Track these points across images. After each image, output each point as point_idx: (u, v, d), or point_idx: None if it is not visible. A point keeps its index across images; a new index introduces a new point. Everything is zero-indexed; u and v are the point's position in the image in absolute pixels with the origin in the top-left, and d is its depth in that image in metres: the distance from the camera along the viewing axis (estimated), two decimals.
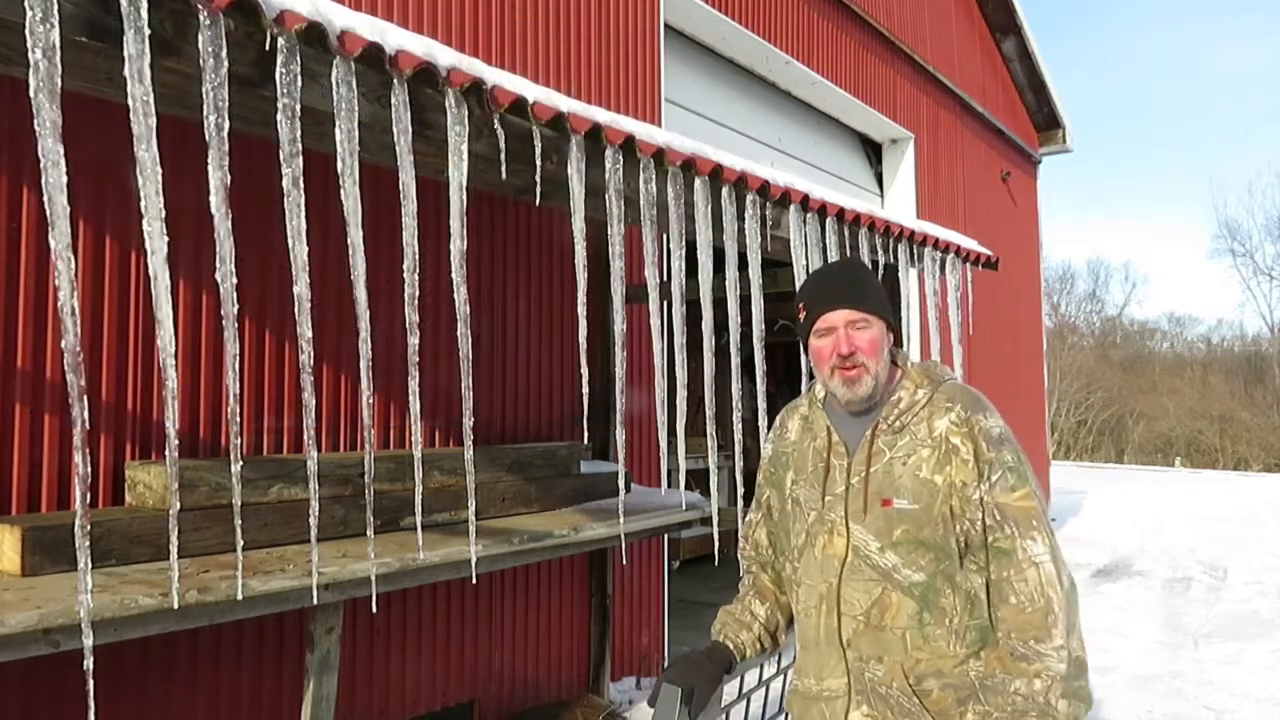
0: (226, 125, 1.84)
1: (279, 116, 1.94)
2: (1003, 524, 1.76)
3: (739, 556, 2.21)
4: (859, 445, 1.88)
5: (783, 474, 2.03)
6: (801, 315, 1.96)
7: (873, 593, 1.80)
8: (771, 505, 2.07)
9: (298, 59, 1.96)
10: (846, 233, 3.93)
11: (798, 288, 3.50)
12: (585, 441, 4.47)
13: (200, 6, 1.79)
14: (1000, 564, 1.76)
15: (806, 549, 1.91)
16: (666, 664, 5.37)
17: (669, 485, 4.90)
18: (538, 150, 2.61)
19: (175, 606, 2.20)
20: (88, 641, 1.64)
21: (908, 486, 1.80)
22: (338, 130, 2.05)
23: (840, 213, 3.83)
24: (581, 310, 2.63)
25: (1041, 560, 1.73)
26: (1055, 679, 1.69)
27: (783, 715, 2.83)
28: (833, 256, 3.75)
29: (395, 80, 2.19)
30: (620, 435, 2.95)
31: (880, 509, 1.81)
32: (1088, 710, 1.74)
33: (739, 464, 4.76)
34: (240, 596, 2.34)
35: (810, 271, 3.59)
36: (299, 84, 1.95)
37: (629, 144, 2.77)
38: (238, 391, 1.86)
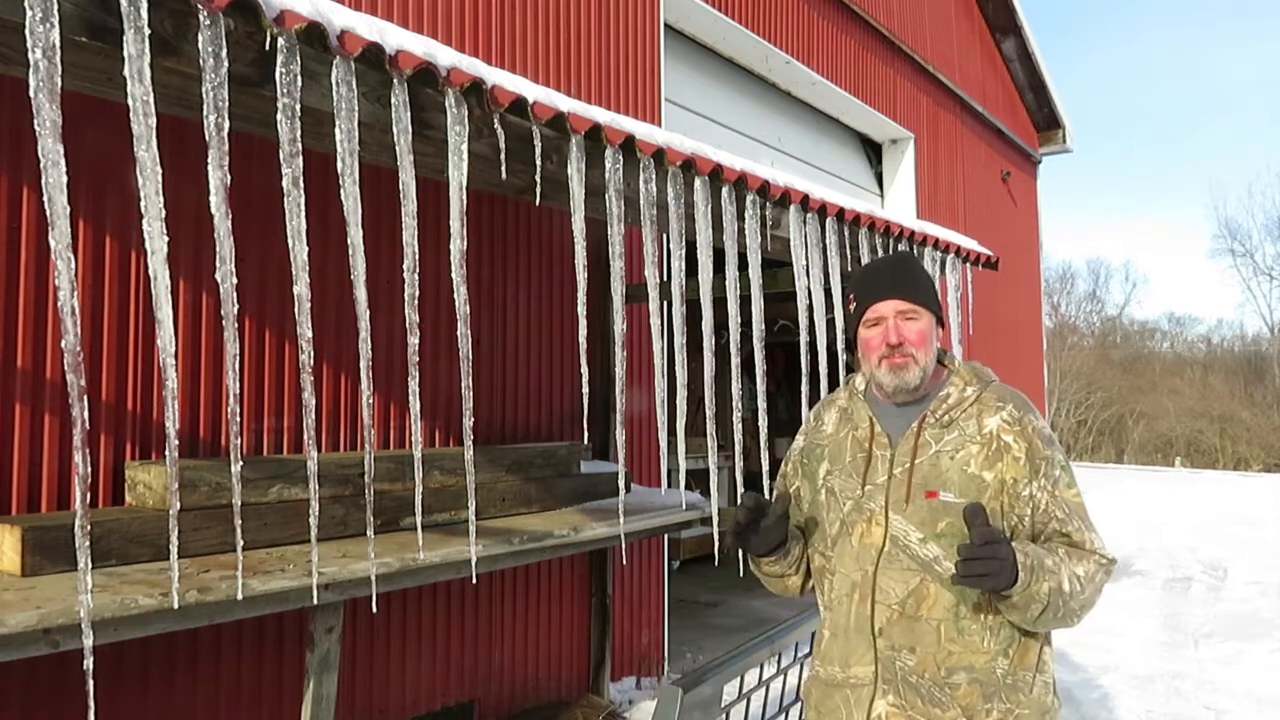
0: (226, 125, 1.84)
1: (279, 116, 1.93)
2: (1070, 518, 1.82)
3: None
4: (904, 437, 1.89)
5: (816, 465, 2.02)
6: (851, 306, 1.98)
7: (910, 582, 1.81)
8: (801, 496, 2.06)
9: (298, 59, 1.96)
10: (846, 233, 3.92)
11: (798, 288, 3.53)
12: (585, 441, 4.47)
13: (200, 6, 1.79)
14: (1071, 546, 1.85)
15: (841, 538, 1.91)
16: (667, 664, 5.37)
17: (669, 485, 4.90)
18: (538, 150, 2.61)
19: (175, 606, 2.20)
20: (88, 641, 1.64)
21: (955, 480, 1.82)
22: (338, 130, 2.05)
23: (840, 213, 3.83)
24: (581, 310, 2.63)
25: (1102, 551, 1.84)
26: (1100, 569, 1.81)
27: (782, 715, 2.83)
28: (833, 256, 3.75)
29: (395, 80, 2.19)
30: (620, 435, 2.95)
31: (924, 500, 1.83)
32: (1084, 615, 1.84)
33: (739, 464, 4.76)
34: (240, 596, 2.34)
35: (810, 271, 3.60)
36: (299, 84, 1.95)
37: (629, 144, 2.77)
38: (238, 391, 1.86)
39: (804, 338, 3.55)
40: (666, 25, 5.86)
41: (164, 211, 1.75)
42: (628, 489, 4.10)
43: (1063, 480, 1.83)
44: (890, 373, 1.88)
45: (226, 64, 1.84)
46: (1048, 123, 12.62)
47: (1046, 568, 1.71)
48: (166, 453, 1.90)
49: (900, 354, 1.87)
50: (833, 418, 2.05)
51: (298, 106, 1.95)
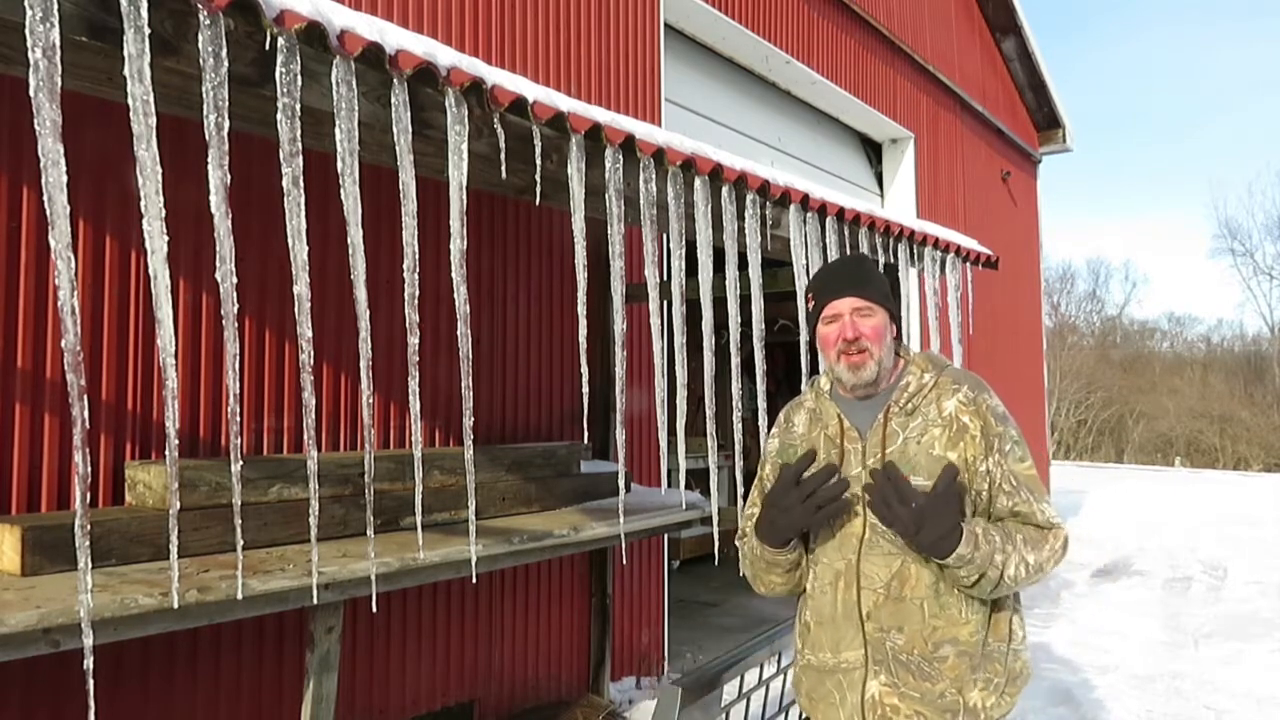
0: (226, 125, 1.84)
1: (279, 116, 1.93)
2: (1018, 490, 1.91)
3: (738, 543, 2.23)
4: (872, 429, 1.98)
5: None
6: (810, 305, 2.08)
7: (892, 566, 1.90)
8: None
9: (298, 59, 1.96)
10: (846, 232, 3.93)
11: (798, 287, 3.53)
12: (585, 441, 4.47)
13: (200, 6, 1.79)
14: (1020, 521, 1.92)
15: (823, 530, 1.99)
16: (667, 664, 5.37)
17: (669, 485, 4.90)
18: (538, 150, 2.61)
19: (175, 606, 2.20)
20: (88, 641, 1.64)
21: (923, 464, 1.91)
22: (338, 130, 2.05)
23: (840, 212, 3.83)
24: (581, 310, 2.63)
25: (1056, 522, 1.93)
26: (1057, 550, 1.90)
27: (782, 715, 2.83)
28: (833, 256, 3.75)
29: (395, 80, 2.19)
30: (620, 435, 2.95)
31: None
32: (1035, 577, 1.90)
33: (739, 464, 4.77)
34: (240, 596, 2.34)
35: (810, 270, 3.60)
36: (299, 84, 1.95)
37: (629, 144, 2.77)
38: (238, 391, 1.86)
39: (804, 337, 3.55)
40: (666, 25, 5.86)
41: (164, 211, 1.75)
42: (628, 489, 4.10)
43: (1013, 454, 1.92)
44: (849, 369, 1.98)
45: (226, 64, 1.83)
46: (1048, 122, 12.61)
47: (994, 563, 1.81)
48: (166, 452, 1.90)
49: (856, 349, 1.96)
50: (802, 419, 2.14)
51: (298, 106, 1.95)
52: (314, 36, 1.99)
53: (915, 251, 4.56)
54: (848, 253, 3.98)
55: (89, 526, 1.65)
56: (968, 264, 5.12)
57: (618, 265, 2.78)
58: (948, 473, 1.81)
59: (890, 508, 1.80)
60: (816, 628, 2.00)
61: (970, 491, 1.91)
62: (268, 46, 1.97)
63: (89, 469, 1.64)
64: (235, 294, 1.82)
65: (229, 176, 1.86)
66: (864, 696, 1.90)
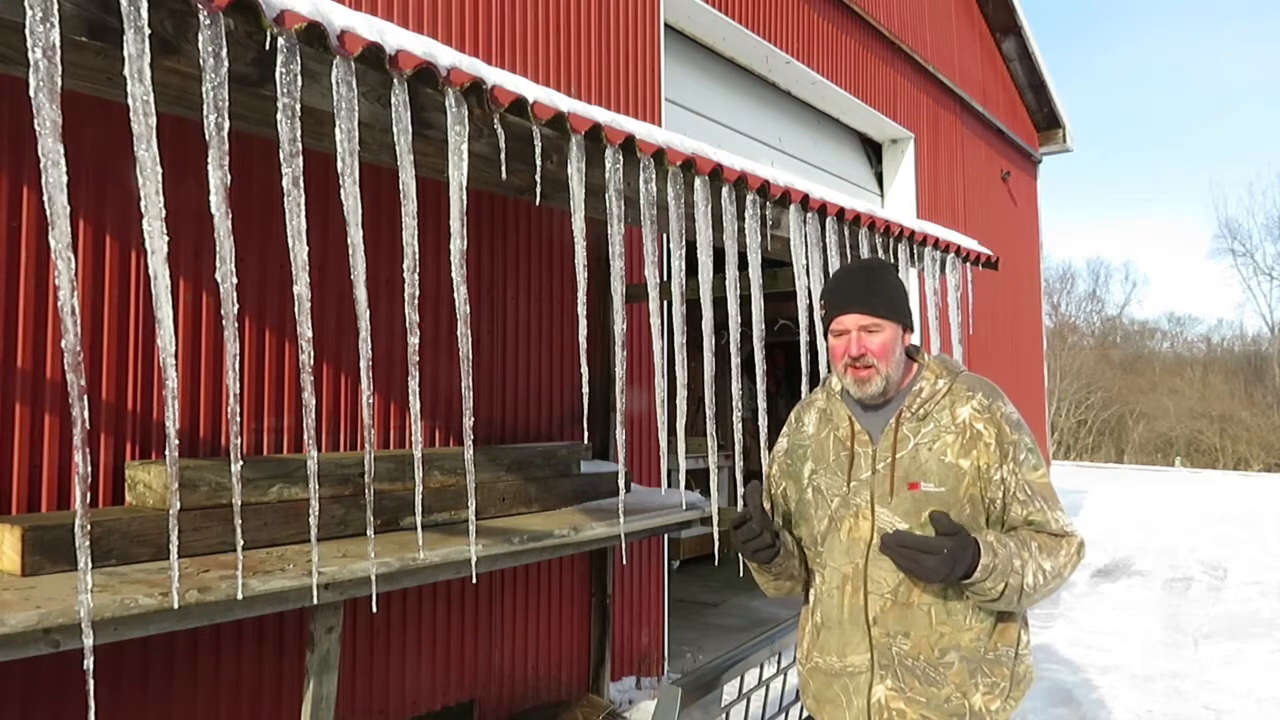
0: (226, 125, 1.84)
1: (279, 116, 1.93)
2: (1033, 499, 1.91)
3: None
4: (883, 433, 1.98)
5: (800, 465, 2.10)
6: (822, 312, 2.08)
7: (900, 572, 1.88)
8: (788, 496, 2.13)
9: (298, 59, 1.95)
10: (846, 232, 3.92)
11: (798, 287, 3.54)
12: (585, 441, 4.47)
13: (200, 6, 1.79)
14: (1034, 530, 1.91)
15: (830, 534, 1.99)
16: (667, 664, 5.38)
17: (669, 485, 4.90)
18: (538, 150, 2.61)
19: (175, 606, 2.20)
20: (88, 641, 1.64)
21: (934, 471, 1.90)
22: (338, 130, 2.05)
23: (840, 212, 3.83)
24: (581, 310, 2.63)
25: (1070, 530, 1.92)
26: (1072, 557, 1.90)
27: (782, 715, 2.83)
28: (833, 256, 3.75)
29: (395, 80, 2.19)
30: (620, 435, 2.95)
31: (907, 492, 1.91)
32: (1056, 584, 1.88)
33: (739, 464, 4.77)
34: (240, 596, 2.34)
35: (810, 271, 3.60)
36: (299, 84, 1.95)
37: (629, 144, 2.77)
38: (238, 391, 1.86)
39: (804, 338, 3.55)
40: (666, 25, 5.86)
41: (164, 211, 1.75)
42: (628, 489, 4.10)
43: (1028, 463, 1.92)
44: (855, 383, 1.98)
45: (226, 64, 1.83)
46: (1048, 122, 12.62)
47: (1014, 568, 1.81)
48: (166, 452, 1.90)
49: (863, 365, 1.96)
50: (813, 419, 2.13)
51: (298, 106, 1.95)
52: (314, 36, 1.99)
53: (915, 251, 4.56)
54: (848, 253, 3.97)
55: (89, 526, 1.65)
56: (968, 264, 5.12)
57: (618, 265, 2.78)
58: (943, 519, 1.80)
59: (919, 565, 1.78)
60: (824, 630, 2.00)
61: (984, 499, 1.91)
62: (268, 46, 1.97)
63: (89, 469, 1.64)
64: (235, 294, 1.82)
65: (229, 176, 1.85)
66: (870, 700, 1.91)
